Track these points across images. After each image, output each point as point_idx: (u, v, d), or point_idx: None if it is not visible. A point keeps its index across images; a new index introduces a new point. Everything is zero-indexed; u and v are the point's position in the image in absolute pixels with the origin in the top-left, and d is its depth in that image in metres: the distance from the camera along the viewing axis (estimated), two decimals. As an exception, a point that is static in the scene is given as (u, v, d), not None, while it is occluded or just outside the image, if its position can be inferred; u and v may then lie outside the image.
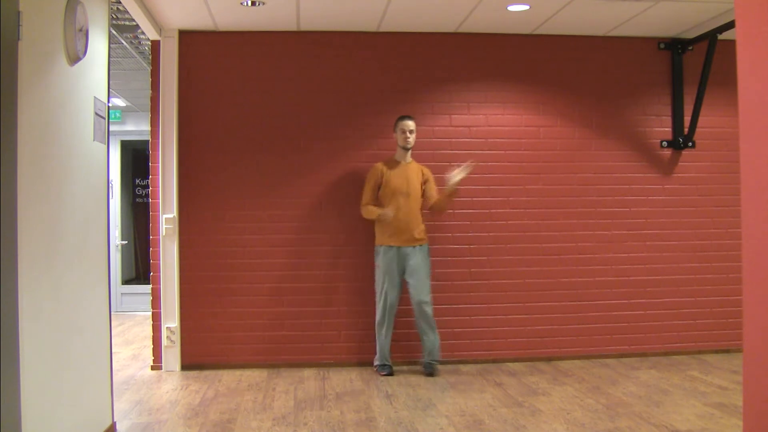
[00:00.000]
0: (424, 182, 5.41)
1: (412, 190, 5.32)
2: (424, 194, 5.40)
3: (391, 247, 5.30)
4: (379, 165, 5.41)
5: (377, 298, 5.37)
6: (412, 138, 5.36)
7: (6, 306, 2.66)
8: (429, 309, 5.29)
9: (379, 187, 5.36)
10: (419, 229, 5.33)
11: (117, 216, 9.10)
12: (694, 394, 4.64)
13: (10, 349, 2.66)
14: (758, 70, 2.06)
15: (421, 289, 5.28)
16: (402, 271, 5.32)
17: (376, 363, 5.38)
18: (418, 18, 5.38)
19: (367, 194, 5.38)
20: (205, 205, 5.57)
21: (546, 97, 5.84)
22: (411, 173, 5.36)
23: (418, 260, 5.30)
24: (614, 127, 5.89)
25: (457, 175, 5.26)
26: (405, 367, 5.51)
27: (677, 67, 5.89)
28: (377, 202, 5.38)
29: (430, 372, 5.26)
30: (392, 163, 5.41)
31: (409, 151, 5.41)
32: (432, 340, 5.31)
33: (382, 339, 5.33)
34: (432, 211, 5.48)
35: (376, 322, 5.37)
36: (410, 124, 5.36)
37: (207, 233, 5.57)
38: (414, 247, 5.30)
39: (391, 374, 5.27)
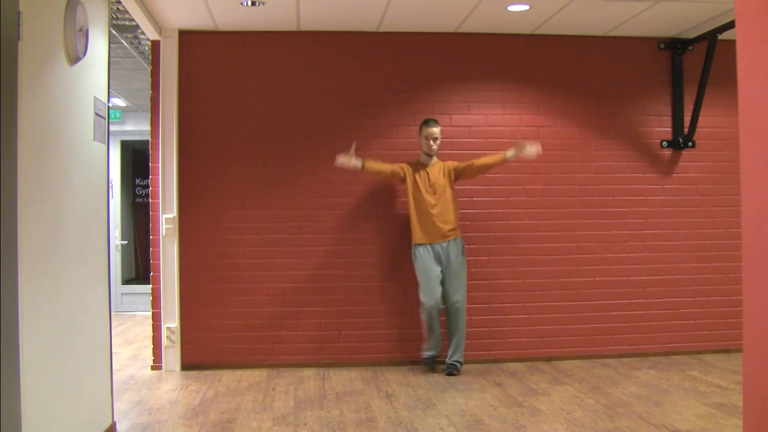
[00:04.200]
0: (451, 174, 5.33)
1: (437, 188, 5.28)
2: (458, 177, 5.34)
3: (426, 245, 5.29)
4: (405, 164, 5.38)
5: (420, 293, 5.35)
6: (435, 146, 5.34)
7: (6, 306, 2.66)
8: (462, 308, 5.28)
9: (402, 175, 5.32)
10: (450, 225, 5.29)
11: (117, 216, 9.10)
12: (694, 394, 4.64)
13: (10, 349, 2.66)
14: (758, 70, 2.06)
15: (456, 289, 5.27)
16: (441, 268, 5.28)
17: (423, 354, 5.39)
18: (418, 18, 5.38)
19: (389, 164, 5.36)
20: (205, 205, 5.57)
21: (546, 97, 5.84)
22: (435, 173, 5.33)
23: (454, 259, 5.28)
24: (614, 127, 5.89)
25: (525, 149, 5.20)
26: (405, 367, 5.51)
27: (677, 67, 5.89)
28: (410, 203, 5.34)
29: (451, 372, 5.26)
30: (417, 165, 5.39)
31: (433, 156, 5.39)
32: (459, 340, 5.31)
33: (433, 336, 5.33)
34: (481, 170, 5.35)
35: (423, 316, 5.31)
36: (435, 131, 5.32)
37: (207, 233, 5.57)
38: (447, 241, 5.28)
39: (432, 371, 5.30)
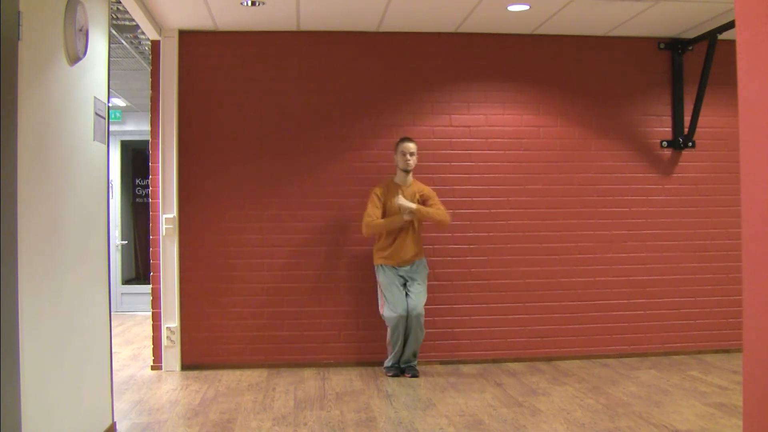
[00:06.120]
0: (422, 202, 5.31)
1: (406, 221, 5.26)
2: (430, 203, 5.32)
3: (390, 266, 5.29)
4: (378, 190, 5.33)
5: (382, 309, 5.29)
6: (413, 161, 5.30)
7: (6, 306, 2.66)
8: (421, 319, 5.23)
9: (384, 204, 5.30)
10: (415, 250, 5.31)
11: (117, 216, 9.10)
12: (694, 394, 4.64)
13: (10, 350, 2.66)
14: (758, 70, 2.06)
15: (418, 302, 5.22)
16: (404, 282, 5.30)
17: (386, 364, 5.33)
18: (418, 18, 5.38)
19: (372, 208, 5.27)
20: (205, 205, 5.57)
21: (546, 97, 5.84)
22: (408, 196, 5.28)
23: (418, 275, 5.30)
24: (614, 127, 5.89)
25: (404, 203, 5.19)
26: (405, 367, 5.51)
27: (677, 67, 5.89)
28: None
29: (414, 374, 5.23)
30: (392, 187, 5.34)
31: (410, 174, 5.36)
32: (413, 343, 5.26)
33: (398, 345, 5.22)
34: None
35: (389, 329, 5.24)
36: (411, 146, 5.29)
37: (207, 233, 5.57)
38: (410, 265, 5.31)
39: (397, 375, 5.25)
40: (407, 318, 5.19)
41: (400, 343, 5.24)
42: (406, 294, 5.26)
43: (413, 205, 5.19)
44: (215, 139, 5.60)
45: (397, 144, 5.37)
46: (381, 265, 5.32)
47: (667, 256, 5.88)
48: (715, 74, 5.64)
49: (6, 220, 2.68)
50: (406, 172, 5.34)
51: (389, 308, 5.20)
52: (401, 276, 5.30)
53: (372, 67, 5.73)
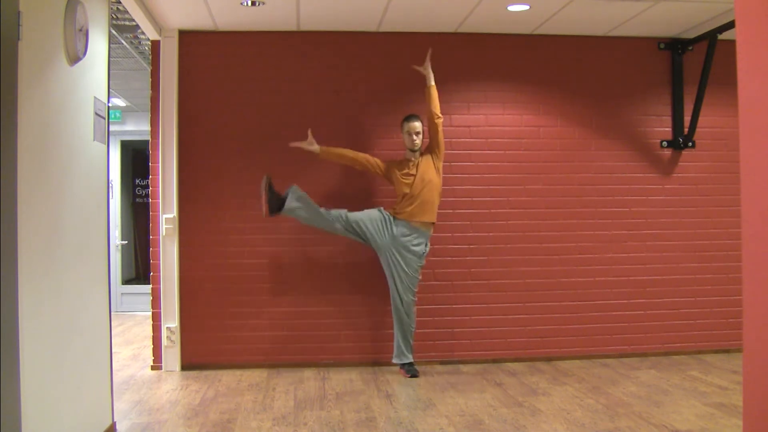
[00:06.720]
0: (433, 158, 5.27)
1: (425, 181, 5.21)
2: (433, 144, 5.28)
3: (398, 219, 5.22)
4: (385, 161, 5.36)
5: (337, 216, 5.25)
6: (419, 140, 5.28)
7: (6, 306, 2.66)
8: (412, 309, 5.24)
9: (376, 171, 5.31)
10: (426, 214, 5.22)
11: (117, 216, 9.10)
12: (694, 394, 4.64)
13: (10, 349, 2.66)
14: (758, 70, 2.06)
15: (407, 287, 5.20)
16: (386, 248, 5.21)
17: (286, 198, 5.21)
18: (418, 18, 5.38)
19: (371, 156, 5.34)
20: (205, 205, 5.57)
21: (546, 97, 5.84)
22: (423, 166, 5.25)
23: (416, 249, 5.21)
24: (614, 127, 5.89)
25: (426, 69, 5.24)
26: (405, 367, 5.50)
27: (677, 67, 5.89)
28: (398, 194, 5.31)
29: (413, 374, 5.22)
30: (402, 161, 5.35)
31: (418, 152, 5.34)
32: (404, 337, 5.26)
33: (305, 213, 5.20)
34: (431, 110, 5.25)
35: (326, 212, 5.22)
36: (416, 125, 5.27)
37: (207, 233, 5.57)
38: (421, 227, 5.20)
39: (277, 212, 5.16)
40: (400, 308, 5.20)
41: (307, 215, 5.19)
42: (394, 281, 5.21)
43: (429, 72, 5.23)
44: (215, 139, 5.60)
45: (402, 122, 5.35)
46: (389, 214, 5.27)
47: (667, 256, 5.88)
48: (715, 74, 5.64)
49: (6, 220, 2.68)
50: (413, 151, 5.32)
51: (350, 213, 5.22)
52: (393, 240, 5.18)
53: (372, 67, 5.73)
